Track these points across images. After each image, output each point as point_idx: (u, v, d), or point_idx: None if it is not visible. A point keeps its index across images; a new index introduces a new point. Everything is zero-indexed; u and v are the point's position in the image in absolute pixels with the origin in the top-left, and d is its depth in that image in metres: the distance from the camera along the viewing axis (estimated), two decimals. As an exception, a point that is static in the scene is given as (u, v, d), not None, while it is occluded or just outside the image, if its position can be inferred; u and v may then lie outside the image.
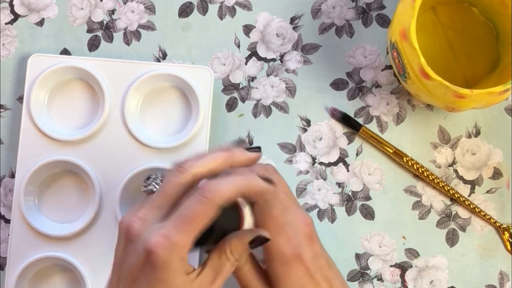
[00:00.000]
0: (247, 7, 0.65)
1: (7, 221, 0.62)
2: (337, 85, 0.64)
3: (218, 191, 0.43)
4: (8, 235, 0.61)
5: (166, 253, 0.42)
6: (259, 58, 0.64)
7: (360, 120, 0.63)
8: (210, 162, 0.46)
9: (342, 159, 0.63)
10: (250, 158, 0.47)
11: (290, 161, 0.63)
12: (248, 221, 0.48)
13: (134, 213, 0.44)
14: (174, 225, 0.42)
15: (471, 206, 0.62)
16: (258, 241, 0.46)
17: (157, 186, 0.46)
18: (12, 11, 0.65)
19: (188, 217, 0.42)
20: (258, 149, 0.48)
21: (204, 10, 0.65)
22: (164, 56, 0.64)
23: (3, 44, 0.65)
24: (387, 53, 0.64)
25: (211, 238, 0.45)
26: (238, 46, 0.64)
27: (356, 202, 0.63)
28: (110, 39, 0.65)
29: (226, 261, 0.45)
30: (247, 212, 0.48)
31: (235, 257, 0.46)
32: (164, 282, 0.42)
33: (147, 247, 0.42)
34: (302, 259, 0.49)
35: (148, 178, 0.47)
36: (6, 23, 0.65)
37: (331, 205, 0.63)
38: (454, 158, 0.63)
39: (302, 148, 0.63)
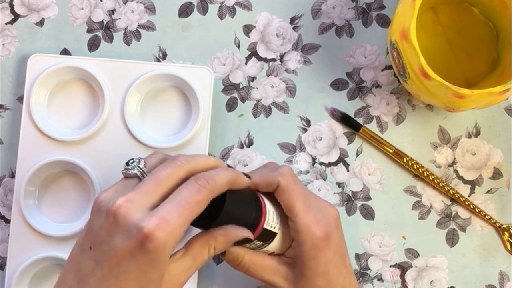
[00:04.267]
0: (247, 7, 0.65)
1: (7, 221, 0.62)
2: (337, 85, 0.64)
3: (213, 182, 0.44)
4: (8, 235, 0.61)
5: (166, 236, 0.41)
6: (259, 58, 0.64)
7: (360, 120, 0.63)
8: (204, 162, 0.47)
9: (342, 159, 0.63)
10: (235, 177, 0.48)
11: (290, 161, 0.63)
12: (269, 209, 0.50)
13: (119, 194, 0.44)
14: (170, 210, 0.42)
15: (471, 206, 0.62)
16: (244, 242, 0.48)
17: (141, 171, 0.46)
18: (12, 11, 0.65)
19: (187, 202, 0.43)
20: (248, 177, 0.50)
21: (204, 10, 0.65)
22: (164, 56, 0.64)
23: (3, 44, 0.65)
24: (387, 53, 0.64)
25: (214, 222, 0.46)
26: (238, 46, 0.64)
27: (356, 202, 0.63)
28: (110, 39, 0.65)
29: (206, 254, 0.46)
30: (267, 203, 0.50)
31: (216, 252, 0.47)
32: (154, 265, 0.42)
33: (145, 231, 0.41)
34: (330, 242, 0.50)
35: (131, 162, 0.47)
36: (6, 23, 0.65)
37: (331, 205, 0.63)
38: (454, 158, 0.63)
39: (302, 148, 0.63)
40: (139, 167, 0.46)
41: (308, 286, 0.50)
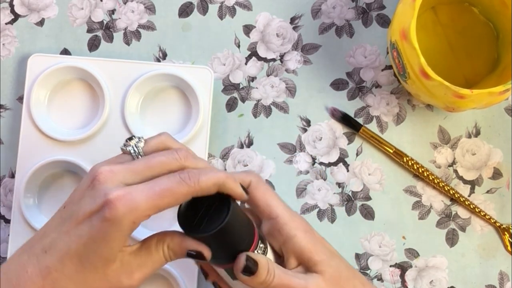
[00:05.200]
0: (247, 7, 0.65)
1: (7, 221, 0.62)
2: (337, 85, 0.64)
3: (196, 180, 0.43)
4: (8, 235, 0.61)
5: (123, 210, 0.41)
6: (259, 58, 0.64)
7: (360, 120, 0.63)
8: (204, 163, 0.46)
9: (342, 159, 0.63)
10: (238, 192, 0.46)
11: (290, 161, 0.63)
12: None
13: (107, 164, 0.44)
14: (142, 189, 0.42)
15: (471, 206, 0.62)
16: (197, 255, 0.45)
17: (136, 150, 0.46)
18: (12, 11, 0.65)
19: (161, 189, 0.42)
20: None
21: (204, 10, 0.65)
22: (164, 56, 0.64)
23: (3, 44, 0.65)
24: (387, 53, 0.64)
25: (217, 229, 0.44)
26: (238, 46, 0.64)
27: (356, 202, 0.63)
28: (110, 39, 0.65)
29: (161, 251, 0.45)
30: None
31: (170, 255, 0.46)
32: (106, 238, 0.42)
33: (108, 197, 0.41)
34: (313, 230, 0.50)
35: (131, 139, 0.46)
36: (6, 23, 0.65)
37: (331, 205, 0.63)
38: (454, 158, 0.63)
39: (302, 148, 0.63)
40: (136, 146, 0.46)
41: (323, 272, 0.48)
